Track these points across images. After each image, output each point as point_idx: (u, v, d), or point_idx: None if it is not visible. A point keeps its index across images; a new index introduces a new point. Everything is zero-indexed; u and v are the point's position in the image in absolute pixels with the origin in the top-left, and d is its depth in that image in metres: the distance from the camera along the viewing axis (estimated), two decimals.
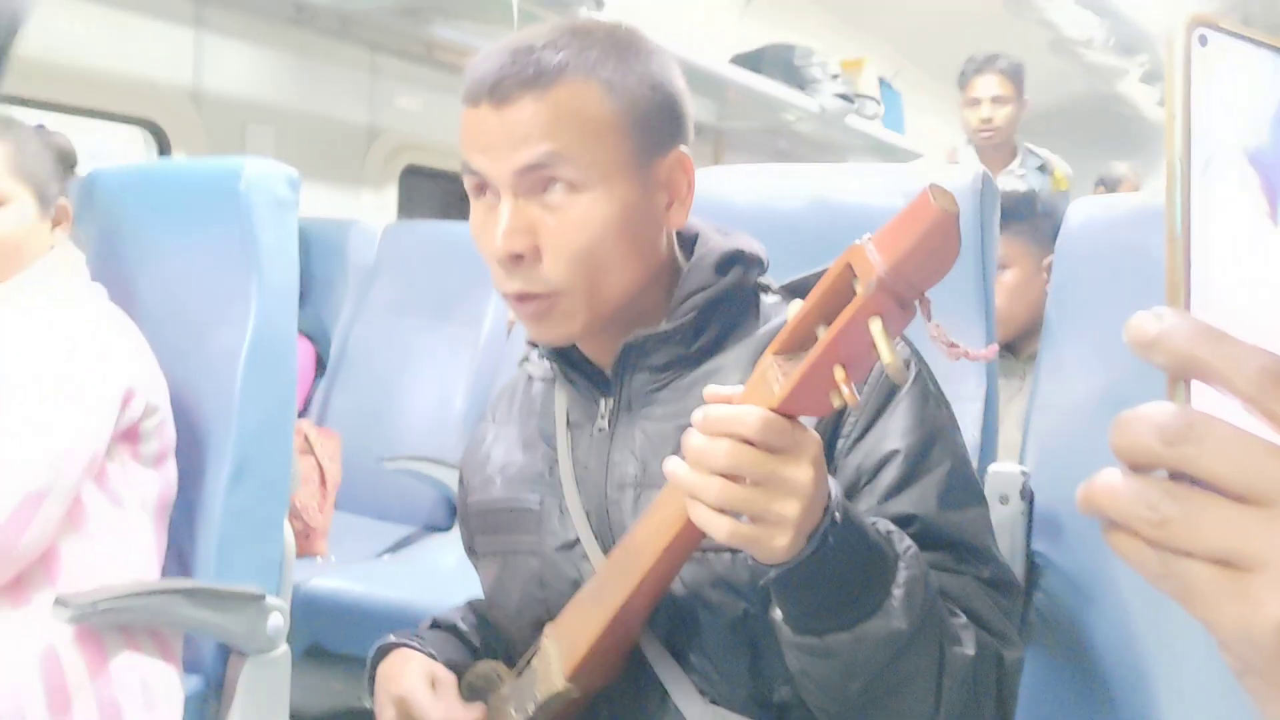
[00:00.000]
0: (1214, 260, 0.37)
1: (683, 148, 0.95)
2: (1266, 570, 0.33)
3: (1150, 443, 0.35)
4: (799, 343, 0.72)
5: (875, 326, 0.66)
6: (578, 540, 0.96)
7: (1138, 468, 0.36)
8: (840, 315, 0.67)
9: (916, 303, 0.68)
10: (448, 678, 1.00)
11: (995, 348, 0.74)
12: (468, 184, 0.94)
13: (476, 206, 0.94)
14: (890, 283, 0.65)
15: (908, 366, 0.93)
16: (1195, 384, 0.36)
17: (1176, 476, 0.35)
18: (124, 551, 1.42)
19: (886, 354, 0.66)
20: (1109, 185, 4.79)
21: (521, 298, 0.91)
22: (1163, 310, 0.36)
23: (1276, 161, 0.38)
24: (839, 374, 0.69)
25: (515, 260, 0.89)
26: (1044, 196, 2.17)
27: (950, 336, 0.68)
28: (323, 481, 2.38)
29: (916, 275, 0.66)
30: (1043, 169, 3.29)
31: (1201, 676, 1.03)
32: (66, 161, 1.59)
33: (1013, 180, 3.17)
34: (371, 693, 1.04)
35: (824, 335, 0.68)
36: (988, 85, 3.25)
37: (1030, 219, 1.90)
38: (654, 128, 0.92)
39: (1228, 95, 0.38)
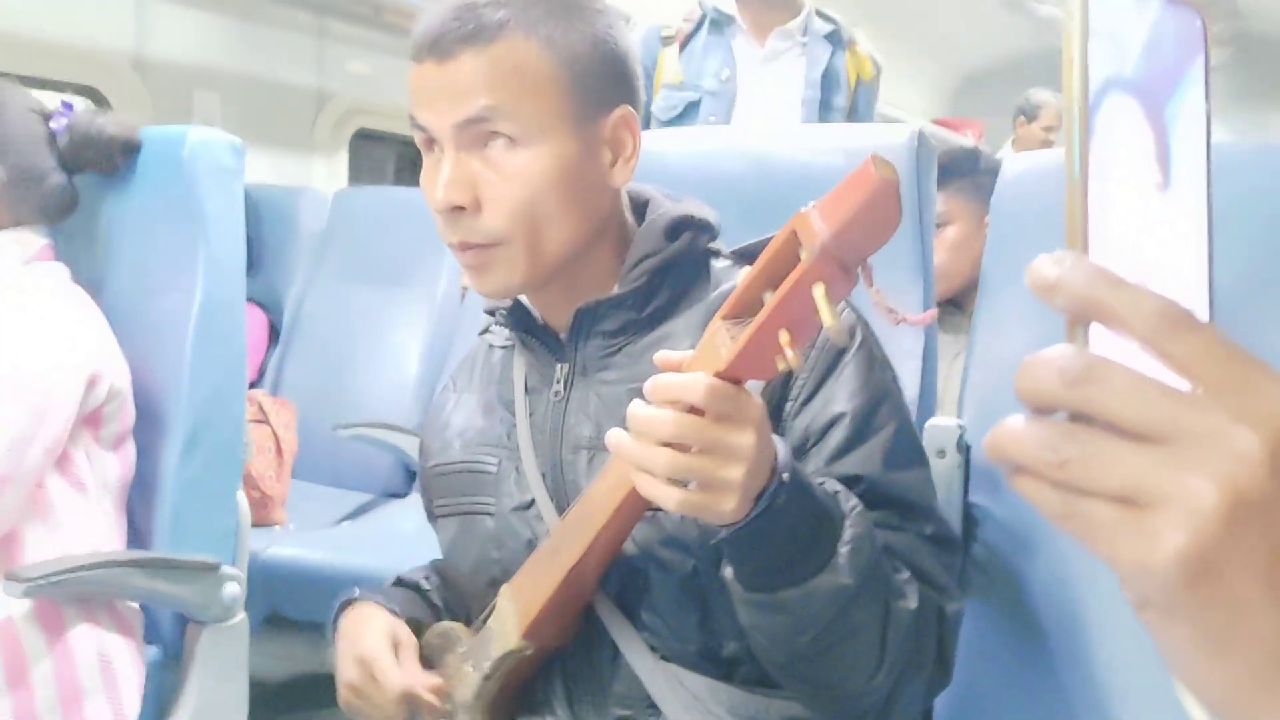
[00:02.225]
0: (1109, 206, 0.38)
1: (629, 107, 0.96)
2: (1163, 507, 0.34)
3: (1052, 385, 0.36)
4: (747, 308, 0.74)
5: (818, 291, 0.68)
6: (533, 502, 0.98)
7: (1040, 411, 0.37)
8: (785, 281, 0.70)
9: (859, 269, 0.70)
10: (409, 640, 1.02)
11: (934, 313, 0.76)
12: (418, 139, 0.95)
13: (426, 161, 0.95)
14: (833, 249, 0.67)
15: (853, 333, 0.95)
16: (1093, 328, 0.37)
17: (1076, 419, 0.37)
18: (88, 536, 1.41)
19: (828, 317, 0.68)
20: (1028, 114, 4.55)
21: (463, 247, 0.93)
22: (1062, 254, 0.37)
23: (1162, 118, 0.39)
24: (784, 338, 0.71)
25: (456, 212, 0.91)
26: (985, 153, 2.17)
27: (890, 302, 0.71)
28: (279, 450, 2.38)
29: (859, 242, 0.68)
30: (834, 38, 2.49)
31: (1134, 619, 1.06)
32: (74, 143, 1.54)
33: (787, 44, 2.46)
34: (333, 645, 1.05)
35: (769, 300, 0.71)
36: None
37: (972, 175, 1.92)
38: (595, 85, 0.94)
39: (1121, 36, 0.38)
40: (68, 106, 1.55)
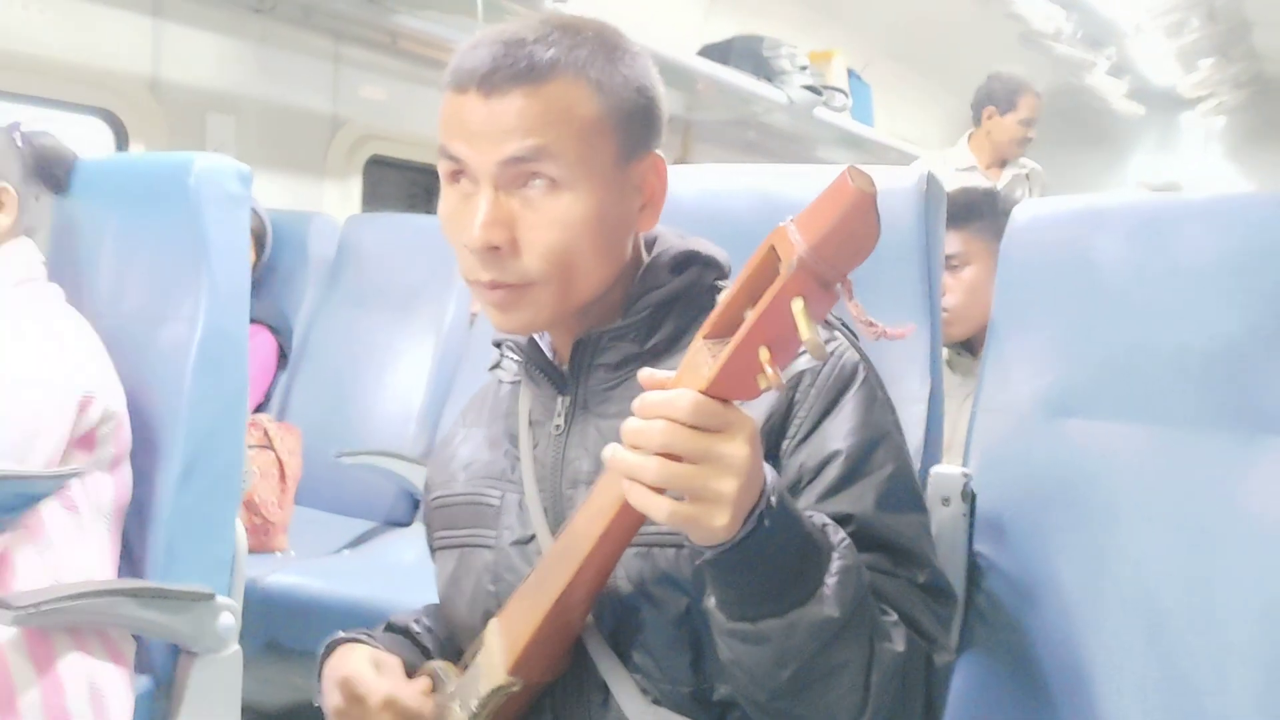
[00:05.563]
0: None
1: (657, 150, 0.96)
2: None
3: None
4: (728, 326, 0.74)
5: (797, 306, 0.68)
6: (534, 537, 0.97)
7: None
8: (764, 296, 0.69)
9: (840, 285, 0.69)
10: (392, 660, 1.00)
11: (912, 326, 0.75)
12: (443, 169, 0.93)
13: (449, 192, 0.94)
14: (811, 263, 0.67)
15: (855, 372, 0.94)
16: None
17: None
18: (80, 559, 1.40)
19: (805, 331, 0.67)
20: (1001, 103, 3.68)
21: (493, 286, 0.92)
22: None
23: None
24: (764, 355, 0.70)
25: (492, 251, 0.90)
26: (1004, 195, 2.16)
27: (869, 316, 0.70)
28: (282, 476, 2.37)
29: (837, 256, 0.67)
30: None
31: (1140, 676, 1.04)
32: (35, 159, 1.56)
33: None
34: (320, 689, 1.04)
35: (749, 317, 0.70)
36: None
37: (991, 217, 1.92)
38: (635, 130, 0.93)
39: None
40: (16, 125, 1.57)
